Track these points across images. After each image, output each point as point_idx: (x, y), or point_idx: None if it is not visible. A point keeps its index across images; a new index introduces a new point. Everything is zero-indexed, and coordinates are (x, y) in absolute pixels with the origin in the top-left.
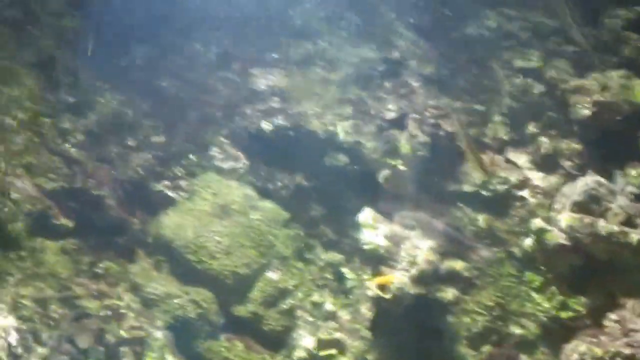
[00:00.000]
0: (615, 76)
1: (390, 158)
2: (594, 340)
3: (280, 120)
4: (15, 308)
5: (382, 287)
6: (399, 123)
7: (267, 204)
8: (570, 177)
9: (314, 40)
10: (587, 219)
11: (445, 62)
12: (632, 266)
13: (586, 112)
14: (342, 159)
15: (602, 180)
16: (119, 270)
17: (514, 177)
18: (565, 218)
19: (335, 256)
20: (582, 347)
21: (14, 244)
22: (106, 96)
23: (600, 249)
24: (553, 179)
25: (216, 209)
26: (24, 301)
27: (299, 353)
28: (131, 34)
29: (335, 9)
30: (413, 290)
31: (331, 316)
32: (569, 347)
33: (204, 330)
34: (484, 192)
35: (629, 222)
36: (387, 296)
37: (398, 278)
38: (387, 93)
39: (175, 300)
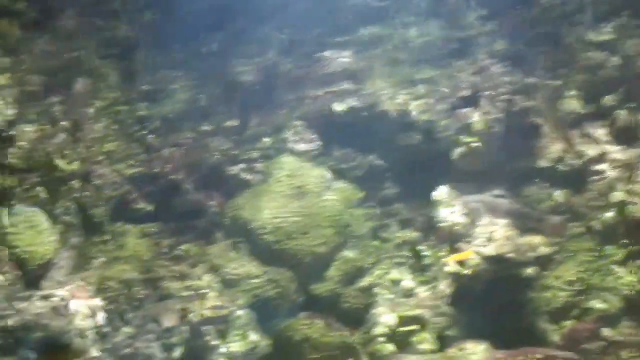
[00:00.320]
0: None
1: (464, 135)
2: None
3: (353, 101)
4: (101, 289)
5: (461, 263)
6: (471, 100)
7: (342, 184)
8: None
9: (384, 21)
10: None
11: (517, 38)
12: None
13: None
14: (416, 137)
15: None
16: (198, 252)
17: (591, 151)
18: None
19: (410, 234)
20: None
21: (97, 228)
22: (180, 83)
23: None
24: (632, 152)
25: (292, 190)
26: (110, 282)
27: (380, 329)
28: (204, 22)
29: None
30: (492, 265)
31: (410, 293)
32: None
33: (283, 308)
34: (561, 167)
35: None
36: (466, 272)
37: (476, 254)
38: (458, 71)
39: (255, 280)
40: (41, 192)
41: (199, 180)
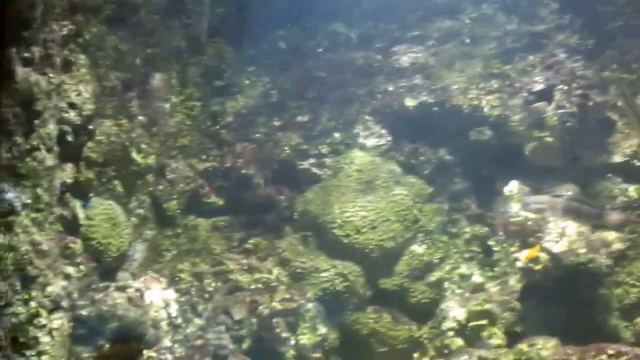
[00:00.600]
0: None
1: (537, 130)
2: None
3: (423, 96)
4: (173, 281)
5: (532, 259)
6: (545, 95)
7: (411, 179)
8: None
9: (456, 16)
10: None
11: (591, 32)
12: None
13: None
14: (487, 132)
15: None
16: (267, 246)
17: None
18: None
19: (480, 229)
20: None
21: (170, 221)
22: (252, 78)
23: None
24: None
25: (361, 184)
26: (182, 275)
27: (449, 324)
28: (277, 18)
29: None
30: (563, 261)
31: (479, 288)
32: None
33: (351, 302)
34: (636, 162)
35: None
36: (537, 267)
37: (547, 249)
38: (532, 65)
39: (323, 274)
40: (117, 186)
41: (269, 175)
